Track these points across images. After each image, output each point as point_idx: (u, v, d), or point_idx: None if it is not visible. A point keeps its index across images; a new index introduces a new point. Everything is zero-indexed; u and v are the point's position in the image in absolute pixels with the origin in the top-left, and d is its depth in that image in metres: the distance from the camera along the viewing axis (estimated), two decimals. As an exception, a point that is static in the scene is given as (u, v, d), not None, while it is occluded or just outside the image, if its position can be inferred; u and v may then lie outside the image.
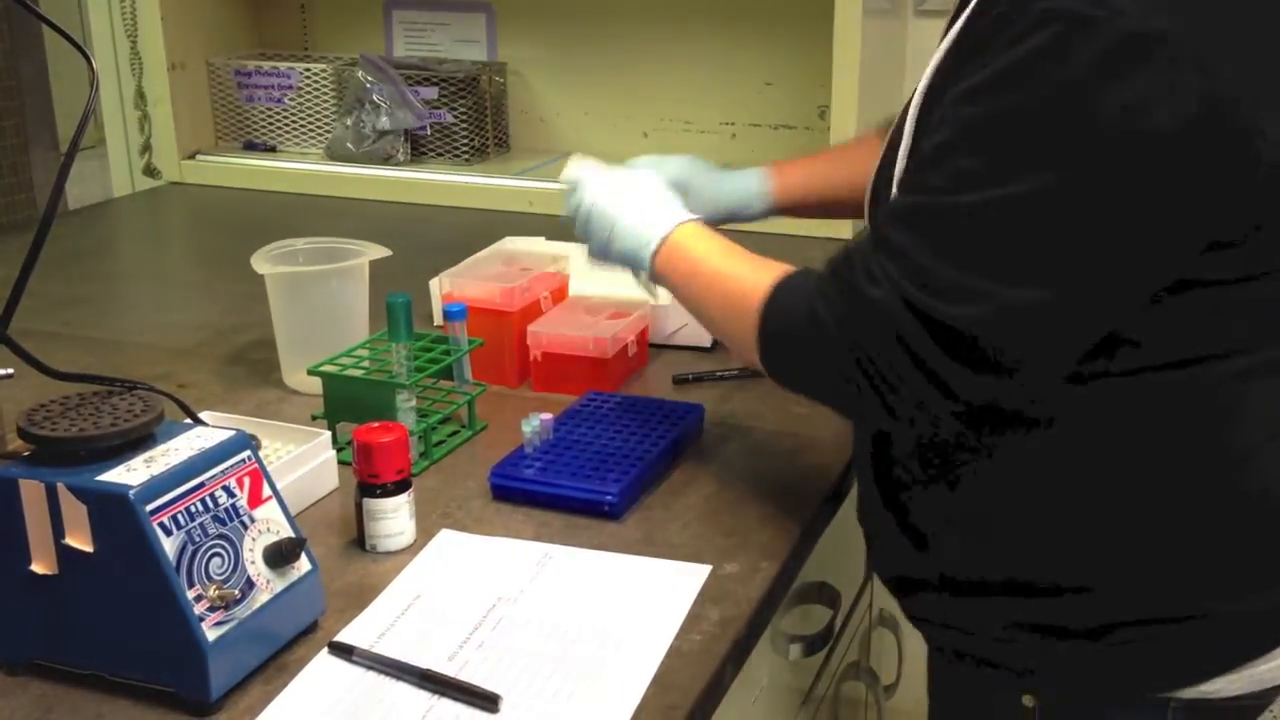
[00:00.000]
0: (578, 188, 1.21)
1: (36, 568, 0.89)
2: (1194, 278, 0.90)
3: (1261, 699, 1.02)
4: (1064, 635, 0.99)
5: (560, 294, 1.50)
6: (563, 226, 1.28)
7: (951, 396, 0.92)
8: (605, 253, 1.17)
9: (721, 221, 1.31)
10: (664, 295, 1.23)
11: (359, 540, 1.10)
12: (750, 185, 1.34)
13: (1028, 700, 1.03)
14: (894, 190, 0.99)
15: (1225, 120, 0.84)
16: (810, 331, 0.97)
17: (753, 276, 1.05)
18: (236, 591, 0.90)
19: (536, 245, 1.65)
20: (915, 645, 1.16)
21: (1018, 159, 0.87)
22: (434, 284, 1.53)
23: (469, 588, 1.04)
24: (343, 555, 1.09)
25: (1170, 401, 0.93)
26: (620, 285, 1.26)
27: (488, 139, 2.32)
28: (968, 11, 0.95)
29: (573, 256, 1.45)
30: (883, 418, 0.96)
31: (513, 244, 1.65)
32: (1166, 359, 0.92)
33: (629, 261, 1.15)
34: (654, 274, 1.14)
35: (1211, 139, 0.84)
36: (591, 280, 1.41)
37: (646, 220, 1.14)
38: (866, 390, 0.93)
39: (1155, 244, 0.88)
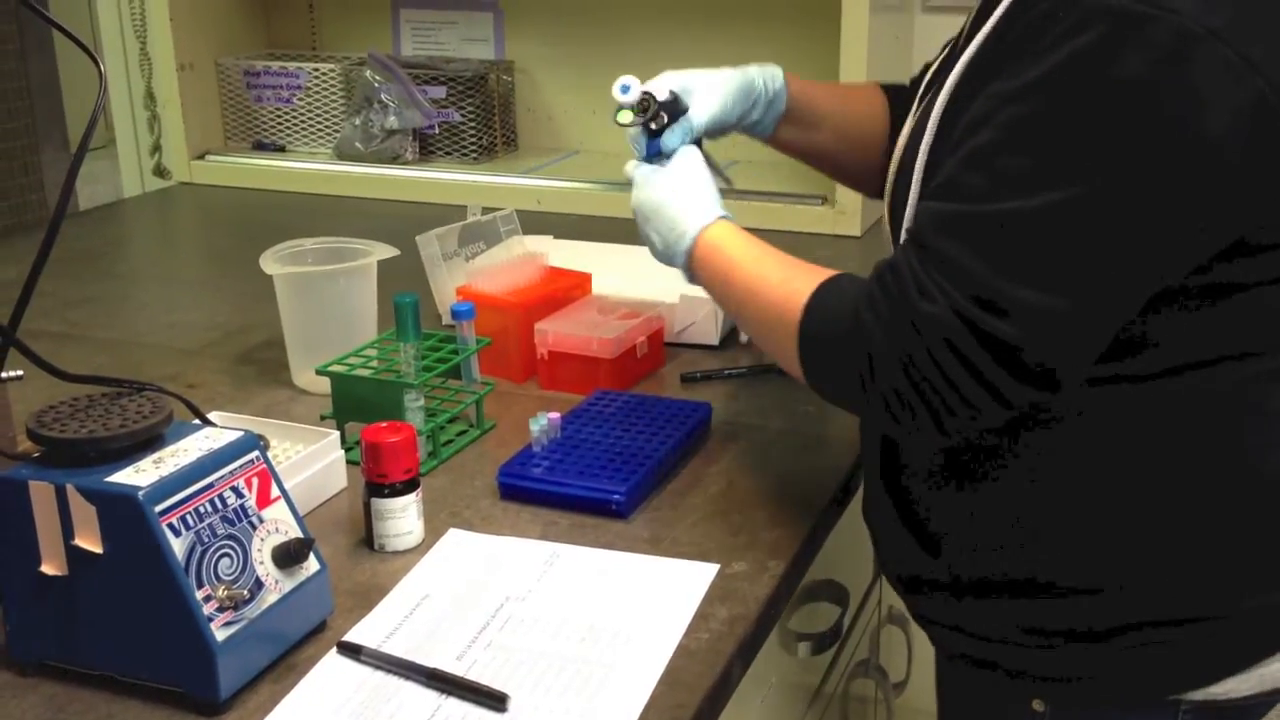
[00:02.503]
0: (633, 186, 1.17)
1: (46, 569, 0.89)
2: (1226, 281, 0.89)
3: (1271, 698, 1.02)
4: (1075, 638, 0.98)
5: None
6: (570, 224, 1.28)
7: (1006, 405, 0.90)
8: (656, 257, 1.16)
9: (734, 126, 1.25)
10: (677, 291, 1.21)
11: (367, 540, 1.10)
12: (771, 78, 1.24)
13: (1037, 704, 1.02)
14: (915, 185, 0.97)
15: (1276, 119, 0.83)
16: (857, 345, 0.93)
17: (792, 281, 1.01)
18: (245, 592, 0.90)
19: (545, 244, 1.66)
20: (925, 643, 1.15)
21: (1069, 161, 0.85)
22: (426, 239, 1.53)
23: (477, 587, 1.04)
24: (351, 555, 1.10)
25: (1189, 403, 0.92)
26: (642, 284, 1.25)
27: (496, 138, 2.32)
28: (1003, 7, 0.93)
29: (590, 254, 1.45)
30: (929, 429, 0.93)
31: (521, 244, 1.65)
32: (1187, 360, 0.91)
33: (669, 264, 1.14)
34: (691, 277, 1.13)
35: (1262, 138, 0.83)
36: (617, 277, 1.40)
37: (677, 223, 1.12)
38: (917, 404, 0.91)
39: (1200, 245, 0.87)
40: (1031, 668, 1.01)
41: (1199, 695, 0.98)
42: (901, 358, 0.90)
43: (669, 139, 1.17)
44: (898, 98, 1.29)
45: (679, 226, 1.11)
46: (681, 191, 1.13)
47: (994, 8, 0.95)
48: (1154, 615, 0.96)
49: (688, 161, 1.15)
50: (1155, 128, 0.82)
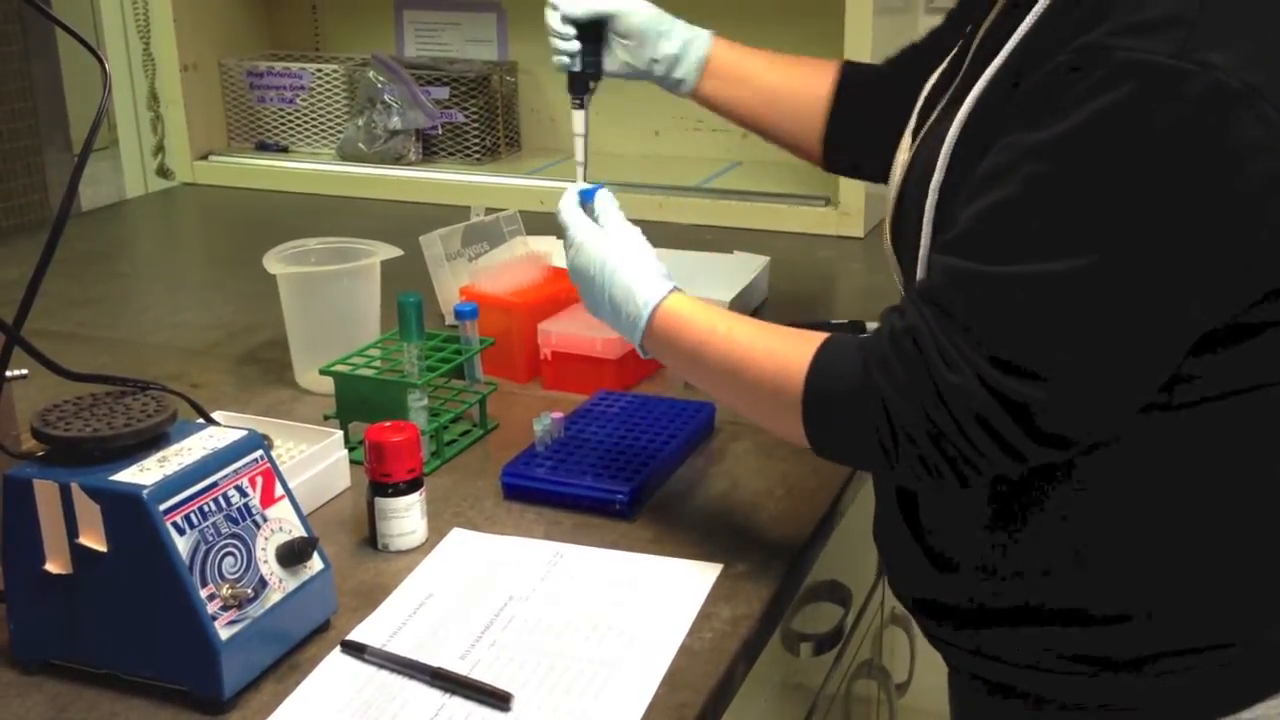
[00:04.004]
0: (566, 237, 1.12)
1: (51, 567, 0.90)
2: (1260, 321, 0.87)
3: None
4: (1105, 666, 0.95)
5: None
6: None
7: (1024, 462, 0.88)
8: (597, 314, 1.11)
9: (643, 74, 1.32)
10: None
11: (371, 539, 1.10)
12: (695, 43, 1.32)
13: None
14: (927, 226, 0.94)
15: None
16: (872, 412, 0.90)
17: (778, 352, 0.97)
18: (249, 590, 0.90)
19: (548, 245, 1.66)
20: (927, 644, 1.15)
21: (1095, 224, 0.81)
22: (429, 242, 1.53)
23: (481, 587, 1.04)
24: (355, 554, 1.10)
25: (1222, 431, 0.90)
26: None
27: (499, 138, 2.32)
28: (1015, 41, 0.90)
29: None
30: (953, 486, 0.91)
31: (524, 244, 1.65)
32: (1220, 390, 0.89)
33: (618, 330, 1.09)
34: (649, 349, 1.06)
35: None
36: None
37: (631, 295, 1.05)
38: (945, 468, 0.89)
39: (1235, 298, 0.85)
40: (1055, 694, 0.98)
41: None
42: (928, 427, 0.88)
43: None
44: (855, 74, 1.31)
45: (634, 299, 1.05)
46: (629, 260, 1.07)
47: (1002, 34, 0.92)
48: (1184, 643, 0.94)
49: (627, 228, 1.11)
50: (1190, 187, 0.79)
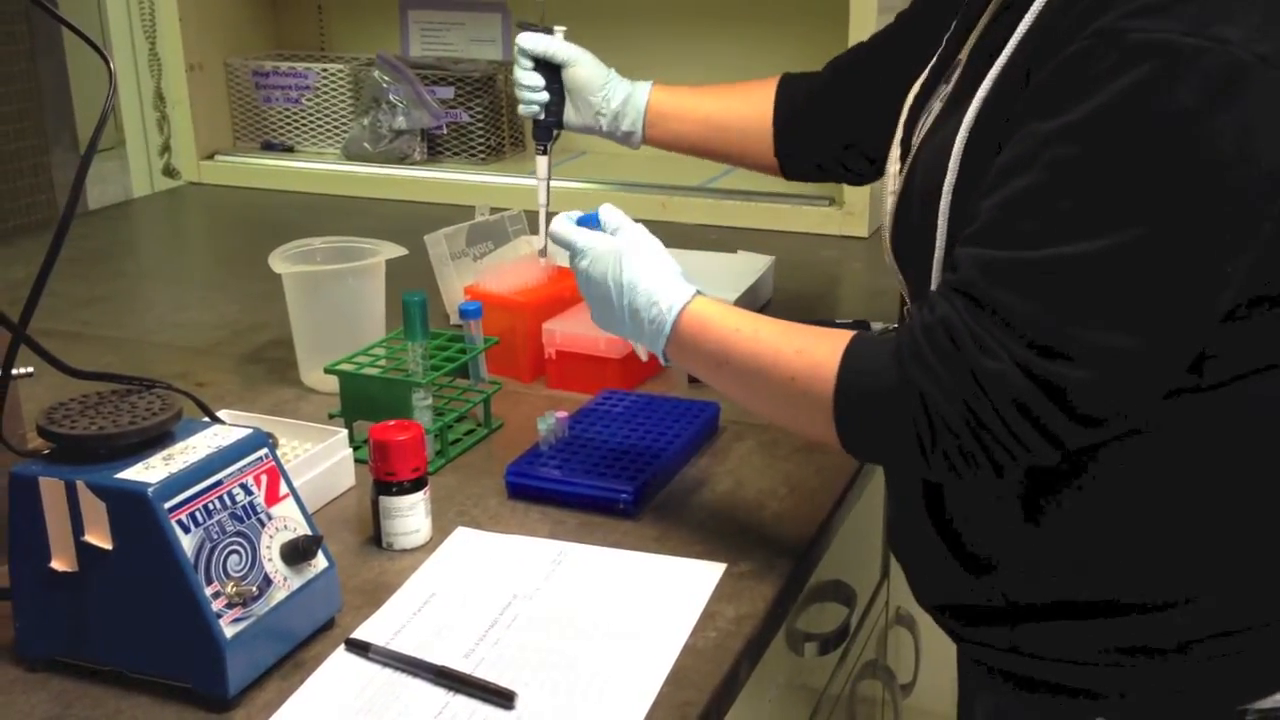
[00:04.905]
0: (573, 249, 1.10)
1: (56, 565, 0.90)
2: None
3: None
4: (1148, 654, 0.95)
5: None
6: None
7: (1061, 448, 0.88)
8: (609, 327, 1.10)
9: (594, 128, 1.42)
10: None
11: (375, 538, 1.11)
12: (635, 95, 1.40)
13: None
14: (942, 226, 0.94)
15: None
16: (909, 406, 0.89)
17: (808, 350, 0.97)
18: (254, 588, 0.91)
19: (553, 244, 1.66)
20: (932, 644, 1.15)
21: (1124, 201, 0.82)
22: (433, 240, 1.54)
23: (485, 585, 1.04)
24: (359, 553, 1.10)
25: (1251, 409, 0.90)
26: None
27: (504, 138, 2.32)
28: (1016, 39, 0.90)
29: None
30: (989, 478, 0.91)
31: (528, 244, 1.65)
32: (1246, 368, 0.89)
33: (636, 339, 1.08)
34: (671, 355, 1.05)
35: None
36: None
37: (654, 300, 1.04)
38: (982, 459, 0.89)
39: (1264, 269, 0.85)
40: (1100, 686, 0.97)
41: (1267, 703, 0.95)
42: (967, 417, 0.87)
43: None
44: (795, 83, 1.39)
45: (657, 304, 1.03)
46: (648, 264, 1.06)
47: (1002, 32, 0.93)
48: (1224, 625, 0.94)
49: (640, 230, 1.10)
50: (1213, 160, 0.80)
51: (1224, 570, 0.93)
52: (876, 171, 1.30)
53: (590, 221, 1.11)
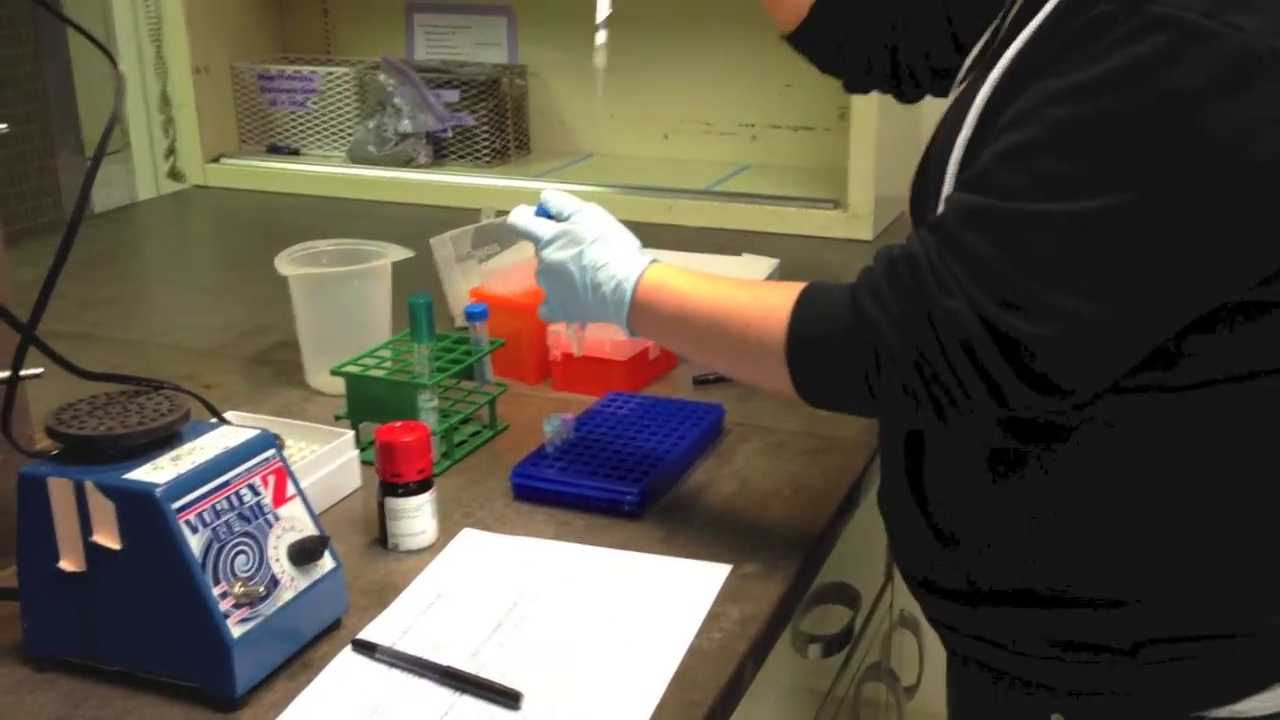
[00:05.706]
0: (536, 241, 1.11)
1: (64, 565, 0.90)
2: (1266, 299, 0.87)
3: None
4: (1099, 652, 0.96)
5: None
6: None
7: (1005, 405, 0.88)
8: (569, 314, 1.11)
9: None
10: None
11: (381, 539, 1.11)
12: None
13: (1056, 718, 1.00)
14: (950, 177, 0.94)
15: None
16: (860, 340, 0.91)
17: (763, 298, 0.98)
18: (261, 589, 0.91)
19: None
20: (937, 647, 1.15)
21: (1113, 169, 0.82)
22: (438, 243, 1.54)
23: (490, 586, 1.04)
24: (365, 554, 1.10)
25: (1221, 416, 0.90)
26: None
27: (509, 141, 2.33)
28: (1051, 4, 0.91)
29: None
30: (932, 423, 0.92)
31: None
32: (1221, 374, 0.89)
33: (600, 317, 1.09)
34: (634, 325, 1.06)
35: None
36: None
37: (611, 272, 1.05)
38: (924, 397, 0.89)
39: (1240, 266, 0.85)
40: (1053, 681, 0.99)
41: (1222, 713, 0.96)
42: (913, 352, 0.88)
43: None
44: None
45: (614, 277, 1.05)
46: (604, 240, 1.07)
47: (1038, 7, 0.93)
48: (1178, 630, 0.94)
49: (592, 209, 1.11)
50: (1209, 144, 0.80)
51: (1177, 575, 0.93)
52: None
53: (544, 212, 1.13)
